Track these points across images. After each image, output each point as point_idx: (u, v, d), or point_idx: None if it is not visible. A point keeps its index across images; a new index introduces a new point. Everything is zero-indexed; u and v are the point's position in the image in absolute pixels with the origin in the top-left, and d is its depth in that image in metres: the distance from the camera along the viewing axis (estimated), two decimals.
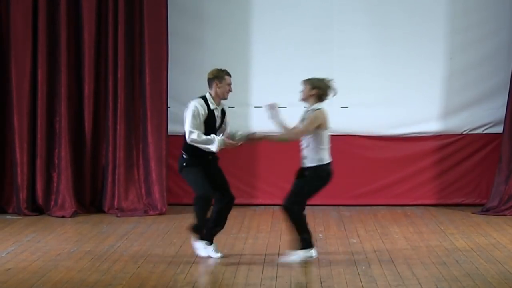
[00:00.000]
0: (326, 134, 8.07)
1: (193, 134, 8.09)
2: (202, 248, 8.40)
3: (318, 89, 8.05)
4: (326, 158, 8.09)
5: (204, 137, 8.10)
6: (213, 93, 8.24)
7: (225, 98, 8.30)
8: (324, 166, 8.08)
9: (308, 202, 11.87)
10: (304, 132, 8.02)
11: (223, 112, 8.35)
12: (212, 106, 8.20)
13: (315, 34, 11.65)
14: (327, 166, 8.10)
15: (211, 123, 8.20)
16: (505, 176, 11.27)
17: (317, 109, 8.05)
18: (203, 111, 8.14)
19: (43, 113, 11.10)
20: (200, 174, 8.22)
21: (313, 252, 8.21)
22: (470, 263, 8.27)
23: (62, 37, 11.05)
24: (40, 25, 11.01)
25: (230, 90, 8.28)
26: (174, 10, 11.48)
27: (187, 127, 8.13)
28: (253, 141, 8.38)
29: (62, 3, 11.01)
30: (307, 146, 8.07)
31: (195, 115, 8.11)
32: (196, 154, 8.21)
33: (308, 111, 8.13)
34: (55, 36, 11.09)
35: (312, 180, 8.12)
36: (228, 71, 8.34)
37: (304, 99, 8.13)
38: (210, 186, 8.20)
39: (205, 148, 8.12)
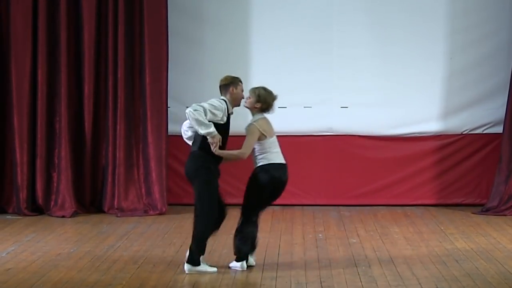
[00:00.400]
0: (269, 141, 7.96)
1: (197, 111, 7.62)
2: (206, 267, 7.96)
3: (262, 104, 8.01)
4: (271, 159, 7.97)
5: (204, 118, 7.65)
6: (229, 98, 7.96)
7: (238, 105, 8.04)
8: (268, 165, 7.94)
9: (309, 202, 11.94)
10: (246, 150, 7.91)
11: None
12: (230, 111, 7.96)
13: (315, 34, 11.64)
14: (270, 166, 7.95)
15: (226, 128, 7.92)
16: (505, 176, 11.26)
17: (255, 121, 7.97)
18: (222, 112, 7.82)
19: (43, 113, 11.10)
20: (217, 190, 7.92)
21: (244, 265, 7.98)
22: (470, 263, 8.26)
23: (62, 37, 11.05)
24: (40, 25, 11.01)
25: (243, 97, 8.04)
26: (174, 10, 11.48)
27: (201, 104, 7.68)
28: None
29: (62, 3, 11.01)
30: (254, 154, 8.01)
31: (215, 108, 7.73)
32: (212, 154, 7.80)
33: (249, 124, 8.04)
34: (55, 36, 11.10)
35: (253, 180, 8.00)
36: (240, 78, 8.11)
37: (249, 108, 8.07)
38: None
39: (197, 127, 7.64)
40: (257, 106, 8.01)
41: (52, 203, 11.14)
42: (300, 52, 11.64)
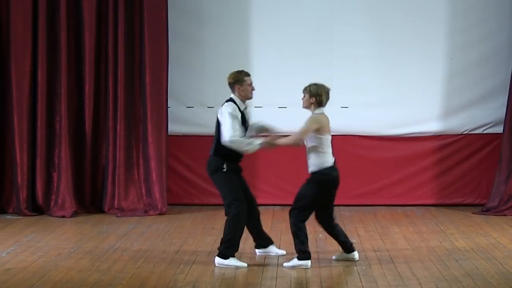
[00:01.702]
0: (326, 138, 8.10)
1: (234, 137, 8.00)
2: (237, 262, 8.17)
3: (316, 96, 8.14)
4: (327, 161, 8.10)
5: (243, 139, 8.07)
6: (237, 96, 8.21)
7: (249, 98, 8.28)
8: (324, 170, 8.09)
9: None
10: (301, 134, 8.09)
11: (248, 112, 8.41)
12: (241, 108, 8.19)
13: (315, 35, 11.64)
14: (328, 170, 8.11)
15: (243, 125, 8.19)
16: (505, 176, 11.27)
17: (315, 114, 8.09)
18: (238, 113, 8.11)
19: (43, 113, 11.10)
20: (238, 184, 8.23)
21: (308, 263, 8.06)
22: (470, 263, 8.26)
23: (62, 37, 11.05)
24: (40, 25, 11.01)
25: (253, 89, 8.27)
26: (174, 11, 11.47)
27: (227, 129, 8.00)
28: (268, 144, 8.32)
29: (62, 3, 11.01)
30: (308, 151, 8.11)
31: (234, 118, 8.04)
32: (232, 159, 8.18)
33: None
34: (55, 36, 11.09)
35: (312, 186, 8.13)
36: (247, 71, 8.33)
37: (306, 107, 8.25)
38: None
39: (243, 150, 8.09)
40: (312, 101, 8.16)
41: (52, 203, 11.14)
42: (300, 52, 11.63)
